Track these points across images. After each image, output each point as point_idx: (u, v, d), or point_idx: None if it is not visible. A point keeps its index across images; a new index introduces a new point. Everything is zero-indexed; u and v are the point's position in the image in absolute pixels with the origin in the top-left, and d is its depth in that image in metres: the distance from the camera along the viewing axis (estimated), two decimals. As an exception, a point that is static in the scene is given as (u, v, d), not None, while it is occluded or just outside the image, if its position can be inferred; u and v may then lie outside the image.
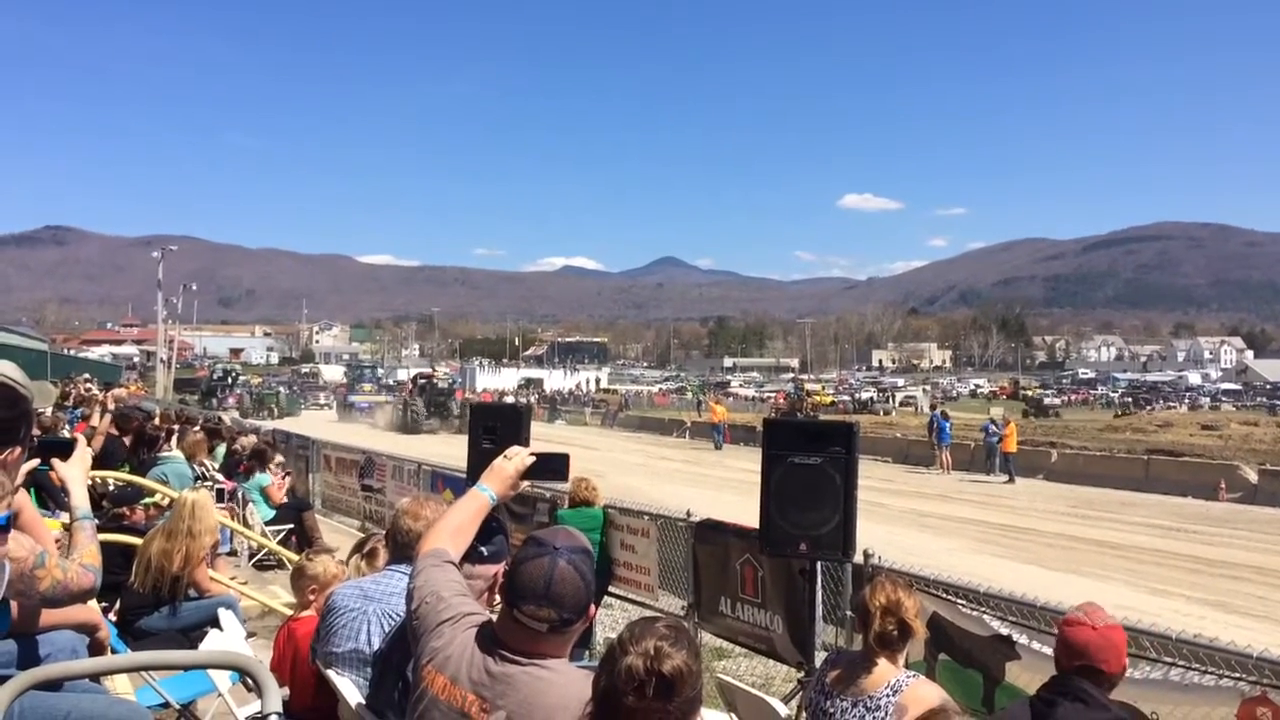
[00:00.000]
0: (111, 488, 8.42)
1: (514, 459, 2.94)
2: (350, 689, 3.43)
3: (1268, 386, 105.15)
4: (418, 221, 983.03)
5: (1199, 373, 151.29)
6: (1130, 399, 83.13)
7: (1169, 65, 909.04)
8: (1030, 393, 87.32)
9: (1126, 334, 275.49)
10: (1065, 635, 3.14)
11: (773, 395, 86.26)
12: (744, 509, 7.64)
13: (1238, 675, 3.82)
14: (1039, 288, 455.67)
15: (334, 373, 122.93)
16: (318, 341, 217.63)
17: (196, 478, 10.75)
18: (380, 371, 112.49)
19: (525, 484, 2.98)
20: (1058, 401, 74.85)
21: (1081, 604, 3.30)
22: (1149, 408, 76.73)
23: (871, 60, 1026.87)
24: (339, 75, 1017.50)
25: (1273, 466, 26.00)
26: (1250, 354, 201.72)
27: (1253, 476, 24.18)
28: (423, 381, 52.94)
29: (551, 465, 3.06)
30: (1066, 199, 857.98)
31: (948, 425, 31.32)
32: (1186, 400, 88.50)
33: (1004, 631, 4.77)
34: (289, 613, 5.46)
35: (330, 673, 3.55)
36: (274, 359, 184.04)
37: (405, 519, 3.66)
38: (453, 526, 2.82)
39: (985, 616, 4.94)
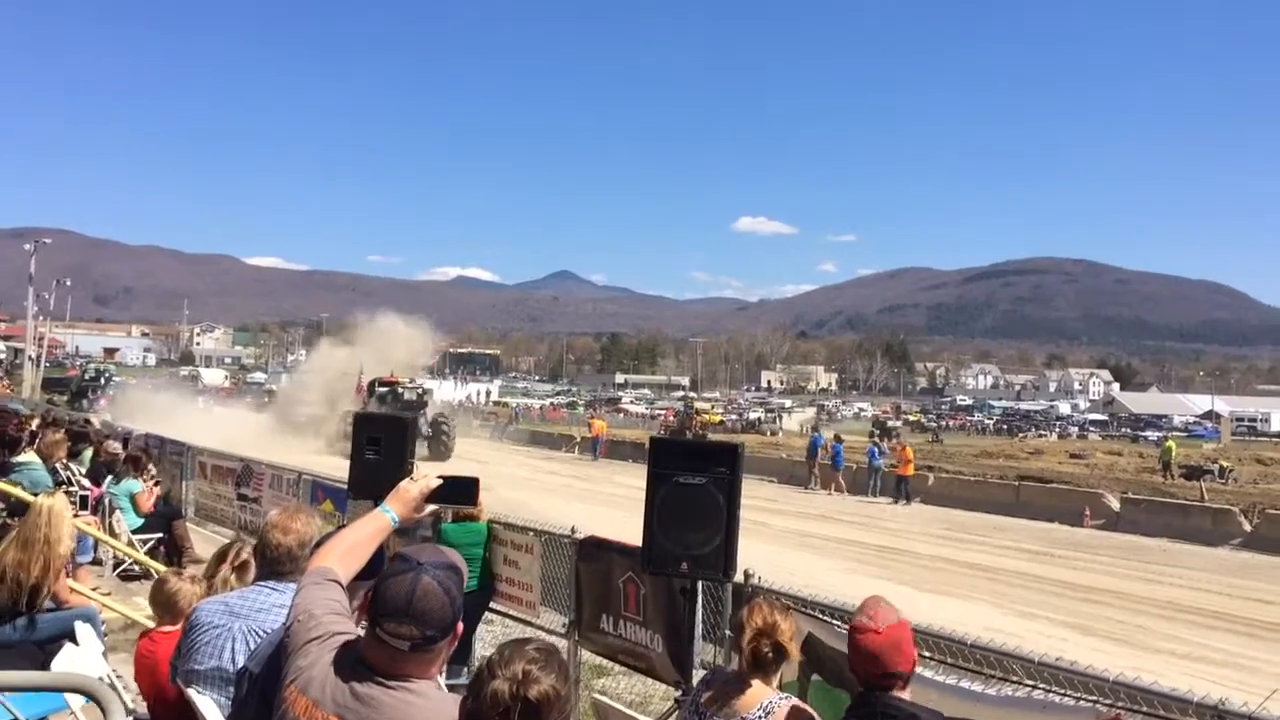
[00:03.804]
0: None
1: (420, 481, 2.87)
2: (211, 709, 3.32)
3: (1132, 418, 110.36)
4: (309, 225, 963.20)
5: (1069, 403, 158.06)
6: (939, 426, 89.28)
7: (1045, 104, 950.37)
8: (878, 417, 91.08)
9: (1003, 363, 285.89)
10: (856, 643, 3.08)
11: (663, 413, 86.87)
12: (630, 526, 7.66)
13: (1094, 698, 3.97)
14: (922, 315, 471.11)
15: (214, 376, 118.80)
16: (198, 344, 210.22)
17: (58, 482, 10.26)
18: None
19: (430, 507, 2.89)
20: (898, 424, 78.77)
21: (865, 602, 3.25)
22: (1021, 435, 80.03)
23: (769, 86, 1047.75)
24: (228, 69, 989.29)
25: (1134, 495, 27.29)
26: (1117, 386, 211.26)
27: (1115, 504, 25.31)
28: (383, 390, 40.68)
29: (459, 489, 2.98)
30: (950, 230, 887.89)
31: (841, 448, 32.11)
32: (1057, 429, 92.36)
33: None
34: (153, 625, 5.24)
35: (191, 691, 3.43)
36: (151, 360, 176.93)
37: (274, 532, 3.54)
38: (345, 545, 2.70)
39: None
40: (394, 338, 51.32)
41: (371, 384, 41.60)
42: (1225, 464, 42.11)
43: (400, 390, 40.83)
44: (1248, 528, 22.32)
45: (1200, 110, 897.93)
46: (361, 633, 2.37)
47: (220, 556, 4.50)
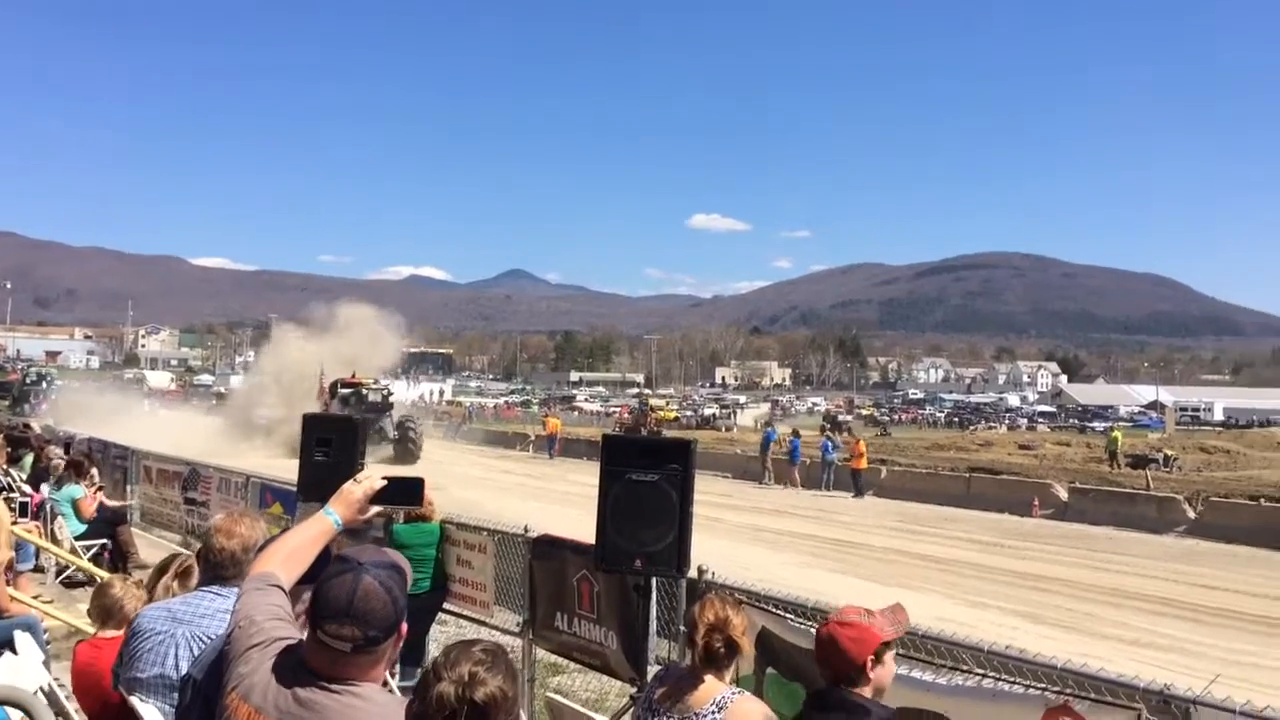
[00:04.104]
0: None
1: (364, 482, 2.81)
2: (155, 716, 3.26)
3: (1079, 409, 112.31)
4: (257, 224, 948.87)
5: (1018, 395, 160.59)
6: (886, 419, 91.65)
7: (994, 102, 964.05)
8: (829, 411, 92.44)
9: (953, 357, 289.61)
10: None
11: (618, 410, 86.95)
12: (585, 524, 7.65)
13: (1043, 686, 4.02)
14: (874, 310, 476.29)
15: (160, 379, 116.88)
16: (143, 346, 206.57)
17: (-1, 489, 10.03)
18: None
19: (374, 508, 2.84)
20: (849, 418, 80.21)
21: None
22: (971, 427, 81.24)
23: (723, 83, 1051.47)
24: (170, 67, 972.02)
25: (1081, 485, 27.77)
26: (1064, 378, 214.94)
27: (1063, 494, 25.72)
28: (346, 391, 38.54)
29: (404, 490, 2.93)
30: (902, 226, 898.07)
31: (798, 443, 32.42)
32: (1006, 421, 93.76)
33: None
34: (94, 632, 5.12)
35: (134, 699, 3.36)
36: (95, 363, 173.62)
37: (217, 537, 3.48)
38: (288, 550, 2.65)
39: (812, 630, 5.06)
40: (364, 333, 49.19)
41: (334, 385, 39.63)
42: (1170, 453, 42.93)
43: (364, 391, 39.00)
44: (1192, 515, 22.79)
45: (1141, 106, 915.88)
46: (304, 637, 2.32)
47: (162, 568, 4.42)
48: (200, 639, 3.25)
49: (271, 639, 2.34)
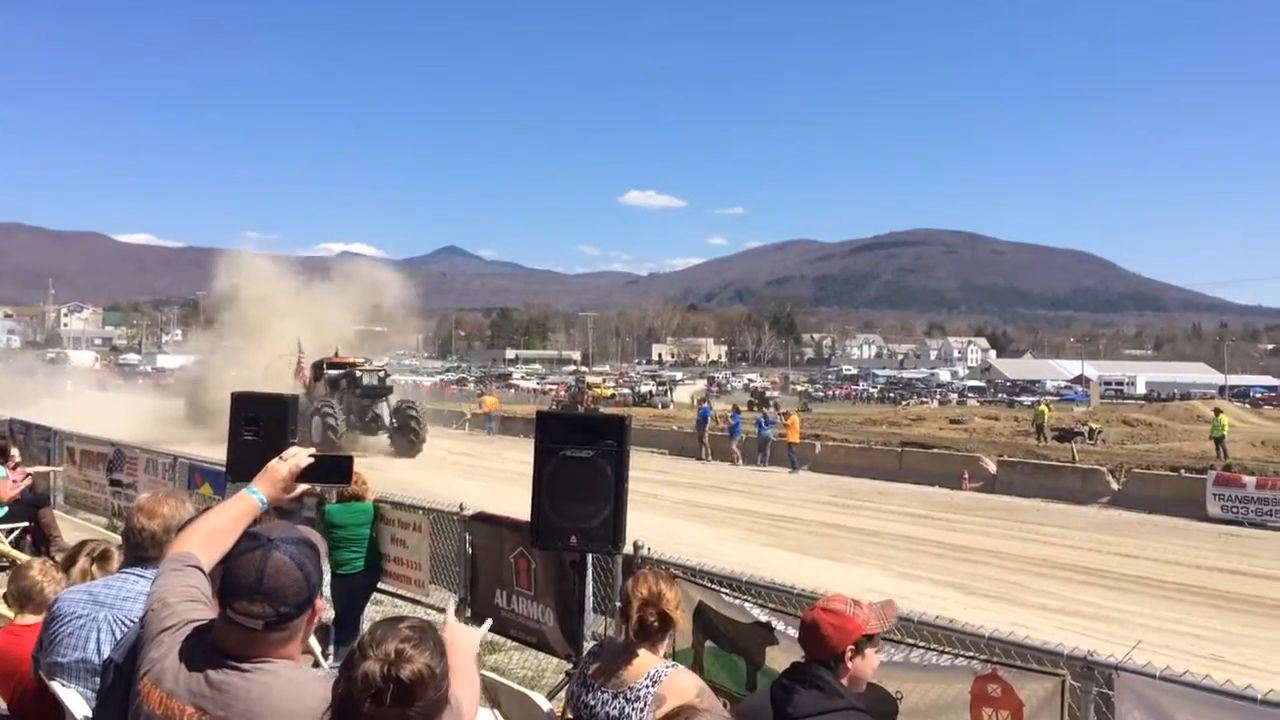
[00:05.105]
0: None
1: (289, 459, 2.74)
2: (77, 702, 3.17)
3: (1008, 384, 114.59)
4: (182, 199, 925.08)
5: (948, 370, 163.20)
6: (808, 395, 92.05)
7: (927, 82, 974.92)
8: (757, 388, 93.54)
9: (886, 333, 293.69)
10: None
11: (554, 387, 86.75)
12: (521, 501, 7.62)
13: (971, 654, 4.11)
14: (809, 287, 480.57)
15: (84, 358, 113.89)
16: (66, 325, 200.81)
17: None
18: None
19: (301, 487, 2.77)
20: (776, 394, 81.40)
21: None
22: (904, 403, 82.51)
23: (656, 62, 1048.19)
24: (92, 34, 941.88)
25: (1010, 458, 28.34)
26: (993, 353, 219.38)
27: (992, 467, 26.25)
28: (335, 373, 32.49)
29: (332, 467, 2.88)
30: (836, 203, 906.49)
31: (740, 419, 32.83)
32: (937, 396, 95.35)
33: (763, 618, 4.96)
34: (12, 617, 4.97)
35: (55, 684, 3.26)
36: (15, 343, 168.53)
37: (139, 517, 3.38)
38: (209, 529, 2.57)
39: (746, 605, 5.11)
40: (364, 299, 43.74)
41: (318, 365, 33.48)
42: (1095, 426, 43.99)
43: (357, 373, 32.52)
44: (1116, 486, 23.39)
45: (1069, 84, 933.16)
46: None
47: (74, 555, 4.29)
48: (123, 622, 3.16)
49: (184, 621, 2.27)
